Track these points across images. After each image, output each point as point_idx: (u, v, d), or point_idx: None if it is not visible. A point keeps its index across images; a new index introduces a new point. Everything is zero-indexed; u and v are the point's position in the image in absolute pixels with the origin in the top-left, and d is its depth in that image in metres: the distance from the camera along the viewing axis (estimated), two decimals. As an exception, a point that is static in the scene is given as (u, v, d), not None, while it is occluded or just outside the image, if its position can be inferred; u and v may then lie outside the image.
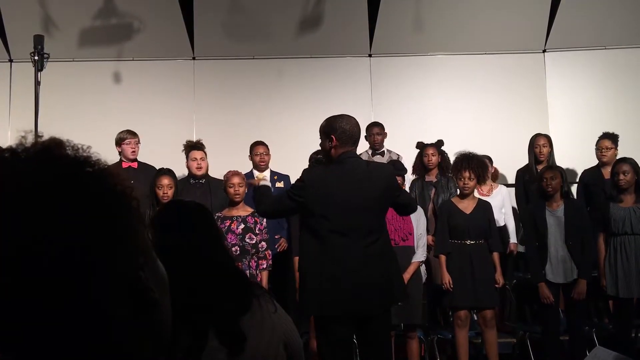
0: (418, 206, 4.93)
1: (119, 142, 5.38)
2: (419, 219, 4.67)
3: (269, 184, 3.57)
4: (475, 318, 4.67)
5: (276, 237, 5.16)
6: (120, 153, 5.38)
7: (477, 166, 4.56)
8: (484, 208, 4.64)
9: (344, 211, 3.15)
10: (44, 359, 0.64)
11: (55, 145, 0.69)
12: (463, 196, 4.65)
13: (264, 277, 4.49)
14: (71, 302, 0.63)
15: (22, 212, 0.62)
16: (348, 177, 3.19)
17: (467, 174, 4.53)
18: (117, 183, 0.70)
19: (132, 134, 5.42)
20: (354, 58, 6.99)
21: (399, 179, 4.62)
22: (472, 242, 4.55)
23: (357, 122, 3.33)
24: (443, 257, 4.58)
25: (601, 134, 5.64)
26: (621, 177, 4.69)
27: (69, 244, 0.63)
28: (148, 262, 0.73)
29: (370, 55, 6.98)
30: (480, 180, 4.71)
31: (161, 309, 0.74)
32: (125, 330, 0.67)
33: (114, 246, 0.66)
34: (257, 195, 3.50)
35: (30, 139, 0.70)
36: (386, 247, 3.32)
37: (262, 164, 5.48)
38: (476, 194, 4.96)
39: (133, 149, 5.37)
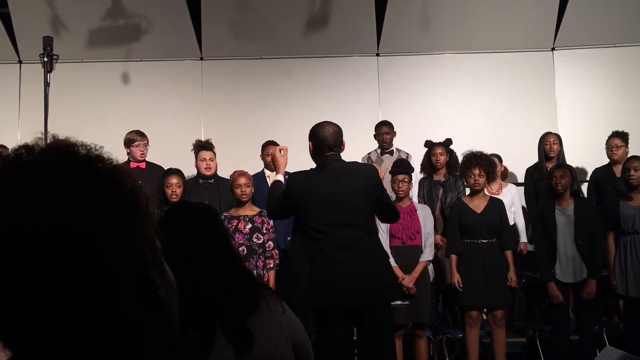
0: (426, 205, 4.94)
1: (128, 143, 5.34)
2: (426, 218, 4.65)
3: (282, 178, 3.57)
4: (485, 317, 4.64)
5: (288, 238, 5.15)
6: (128, 154, 5.36)
7: (486, 163, 4.54)
8: (496, 205, 4.60)
9: (327, 207, 3.24)
10: (46, 348, 0.65)
11: (68, 144, 0.72)
12: (473, 194, 4.63)
13: (271, 277, 4.49)
14: (73, 286, 0.64)
15: (33, 201, 0.64)
16: (329, 176, 3.31)
17: (477, 171, 4.51)
18: (127, 180, 0.72)
19: (141, 135, 5.38)
20: (361, 57, 6.98)
21: (406, 176, 4.61)
22: (484, 241, 4.51)
23: (334, 130, 3.37)
24: (454, 257, 4.55)
25: (611, 132, 5.60)
26: (632, 173, 4.66)
27: (74, 230, 0.64)
28: (156, 261, 0.73)
29: (377, 55, 6.97)
30: (490, 178, 4.69)
31: (168, 309, 0.74)
32: (131, 324, 0.68)
33: (120, 237, 0.67)
34: (269, 193, 3.60)
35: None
36: (375, 242, 3.39)
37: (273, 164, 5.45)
38: (486, 192, 4.94)
39: (142, 152, 5.35)
